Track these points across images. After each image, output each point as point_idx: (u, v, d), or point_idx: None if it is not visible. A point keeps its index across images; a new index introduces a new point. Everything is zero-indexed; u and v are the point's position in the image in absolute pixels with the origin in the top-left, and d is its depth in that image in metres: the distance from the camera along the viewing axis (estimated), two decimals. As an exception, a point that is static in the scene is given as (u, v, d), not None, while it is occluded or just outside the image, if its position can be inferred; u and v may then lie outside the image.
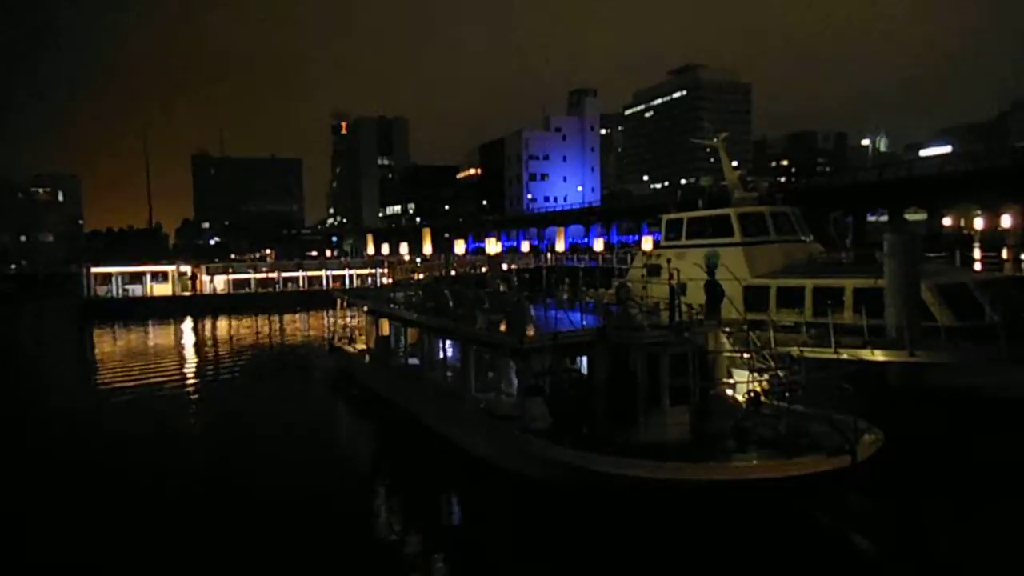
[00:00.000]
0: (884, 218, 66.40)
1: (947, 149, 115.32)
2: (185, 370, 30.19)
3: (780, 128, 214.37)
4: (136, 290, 60.66)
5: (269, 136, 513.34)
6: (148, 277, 61.45)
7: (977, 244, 38.82)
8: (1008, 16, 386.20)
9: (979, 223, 55.51)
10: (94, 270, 60.63)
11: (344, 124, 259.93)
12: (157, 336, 44.66)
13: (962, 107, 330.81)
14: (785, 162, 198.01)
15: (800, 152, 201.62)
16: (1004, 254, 35.25)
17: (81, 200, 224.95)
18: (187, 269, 63.41)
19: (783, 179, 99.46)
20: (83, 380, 30.26)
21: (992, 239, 44.48)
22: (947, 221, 59.44)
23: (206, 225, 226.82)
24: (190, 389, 26.00)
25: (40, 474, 16.10)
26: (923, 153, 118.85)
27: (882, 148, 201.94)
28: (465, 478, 14.71)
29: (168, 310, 56.62)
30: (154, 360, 32.66)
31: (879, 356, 16.17)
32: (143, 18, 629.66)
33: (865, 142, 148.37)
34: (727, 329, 15.05)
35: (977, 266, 32.85)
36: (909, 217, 62.32)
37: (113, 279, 60.48)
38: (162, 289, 61.16)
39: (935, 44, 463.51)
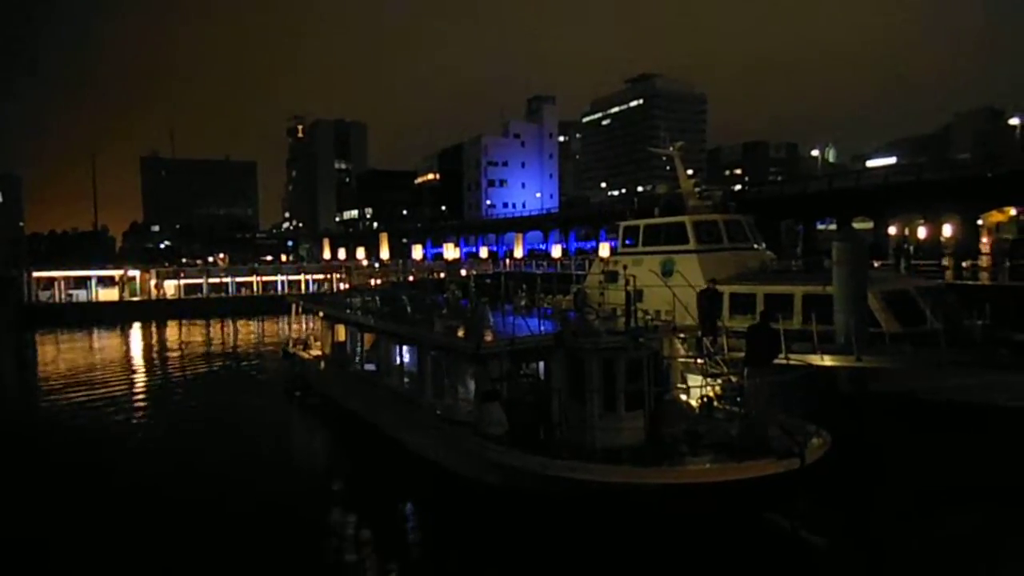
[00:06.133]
0: (833, 226, 68.32)
1: (892, 160, 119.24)
2: (132, 378, 29.28)
3: (734, 138, 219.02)
4: (81, 295, 58.57)
5: (223, 138, 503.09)
6: (94, 281, 59.49)
7: (913, 252, 40.30)
8: (953, 34, 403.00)
9: (922, 232, 57.67)
10: (36, 274, 58.39)
11: (301, 127, 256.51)
12: (103, 343, 43.27)
13: (908, 120, 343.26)
14: (739, 171, 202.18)
15: (753, 162, 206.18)
16: (945, 262, 36.68)
17: (23, 202, 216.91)
18: (135, 273, 61.61)
19: (737, 187, 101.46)
20: (21, 390, 29.14)
21: (931, 248, 46.23)
22: (892, 230, 61.45)
23: (156, 228, 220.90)
24: (137, 397, 25.20)
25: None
26: (869, 164, 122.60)
27: (831, 159, 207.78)
28: (421, 484, 14.58)
29: (115, 316, 54.86)
30: (99, 369, 31.59)
31: (828, 361, 16.60)
32: (92, 17, 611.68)
33: (815, 153, 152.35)
34: (682, 335, 15.27)
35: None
36: (856, 226, 64.25)
37: (56, 284, 58.33)
38: (108, 294, 59.23)
39: (883, 60, 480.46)
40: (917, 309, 18.32)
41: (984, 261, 40.70)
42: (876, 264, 29.29)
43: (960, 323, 18.00)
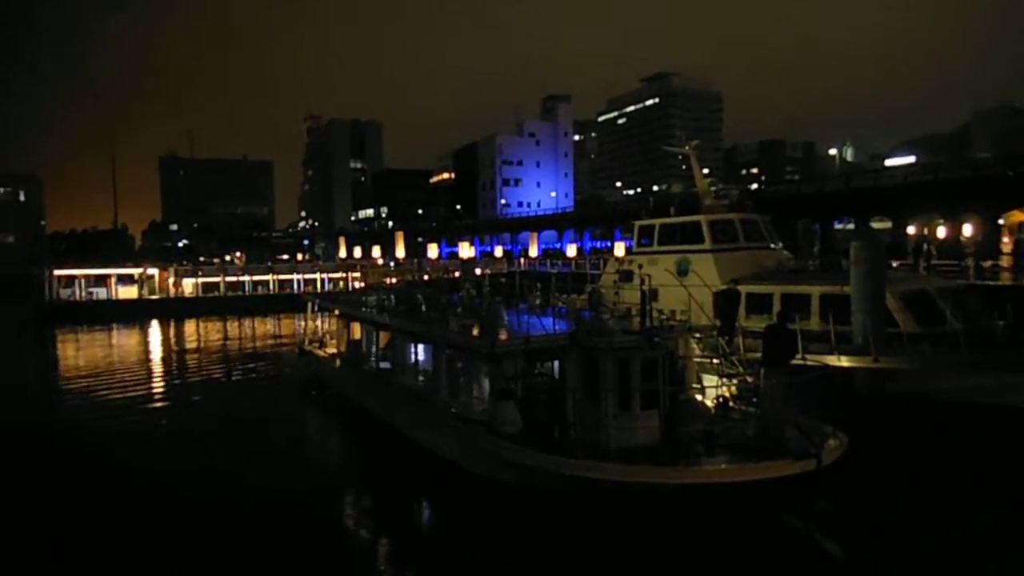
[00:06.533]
0: (851, 226, 67.67)
1: (911, 159, 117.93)
2: (151, 374, 29.62)
3: (750, 136, 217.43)
4: (101, 293, 59.31)
5: (240, 138, 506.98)
6: (114, 280, 60.20)
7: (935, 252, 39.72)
8: (972, 32, 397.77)
9: (941, 232, 56.96)
10: (57, 272, 59.13)
11: (317, 126, 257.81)
12: (122, 341, 43.77)
13: (926, 119, 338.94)
14: (755, 170, 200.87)
15: (770, 160, 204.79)
16: (969, 262, 36.14)
17: (44, 201, 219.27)
18: (154, 272, 62.26)
19: (753, 186, 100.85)
20: (43, 387, 29.55)
21: (953, 248, 45.59)
22: (911, 230, 60.74)
23: (174, 227, 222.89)
24: (157, 393, 25.51)
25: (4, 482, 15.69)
26: (888, 163, 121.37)
27: (849, 158, 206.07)
28: (436, 482, 14.63)
29: (134, 313, 55.49)
30: (119, 365, 31.99)
31: (845, 362, 16.48)
32: (112, 16, 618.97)
33: (832, 152, 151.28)
34: (697, 335, 15.22)
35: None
36: (875, 225, 63.53)
37: (77, 282, 59.07)
38: (128, 292, 59.91)
39: (901, 60, 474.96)
40: (936, 309, 18.13)
41: (1005, 261, 40.11)
42: (895, 264, 29.01)
43: (980, 324, 17.79)
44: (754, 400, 12.79)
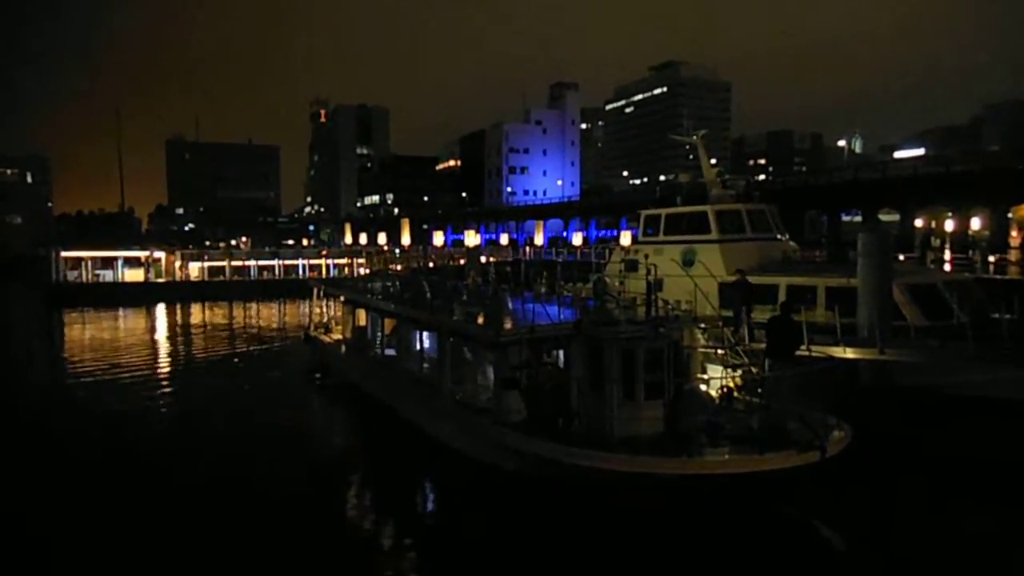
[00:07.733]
0: (858, 218, 67.36)
1: (920, 152, 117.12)
2: (157, 358, 29.79)
3: (758, 127, 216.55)
4: (107, 275, 59.59)
5: (246, 122, 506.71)
6: (120, 262, 60.40)
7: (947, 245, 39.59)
8: (986, 25, 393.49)
9: (950, 225, 56.68)
10: (64, 254, 59.38)
11: (323, 112, 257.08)
12: (128, 323, 43.97)
13: (937, 111, 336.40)
14: (763, 161, 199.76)
15: (778, 151, 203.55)
16: (974, 255, 36.03)
17: (51, 182, 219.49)
18: (161, 255, 62.45)
19: (761, 177, 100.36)
20: (50, 368, 29.72)
21: (963, 241, 45.36)
22: (919, 223, 60.42)
23: (180, 211, 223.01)
24: (162, 377, 25.63)
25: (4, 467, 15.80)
26: (897, 155, 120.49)
27: (857, 149, 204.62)
28: (441, 470, 14.69)
29: (141, 296, 55.74)
30: (125, 348, 32.15)
31: (850, 354, 16.41)
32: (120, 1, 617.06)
33: (841, 143, 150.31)
34: (702, 325, 15.19)
35: (947, 267, 33.50)
36: (883, 218, 63.23)
37: (83, 264, 59.31)
38: (134, 275, 60.13)
39: (912, 50, 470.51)
40: (943, 303, 18.03)
41: (1014, 255, 39.94)
42: (901, 257, 28.89)
43: (988, 317, 17.70)
44: (758, 391, 12.78)
